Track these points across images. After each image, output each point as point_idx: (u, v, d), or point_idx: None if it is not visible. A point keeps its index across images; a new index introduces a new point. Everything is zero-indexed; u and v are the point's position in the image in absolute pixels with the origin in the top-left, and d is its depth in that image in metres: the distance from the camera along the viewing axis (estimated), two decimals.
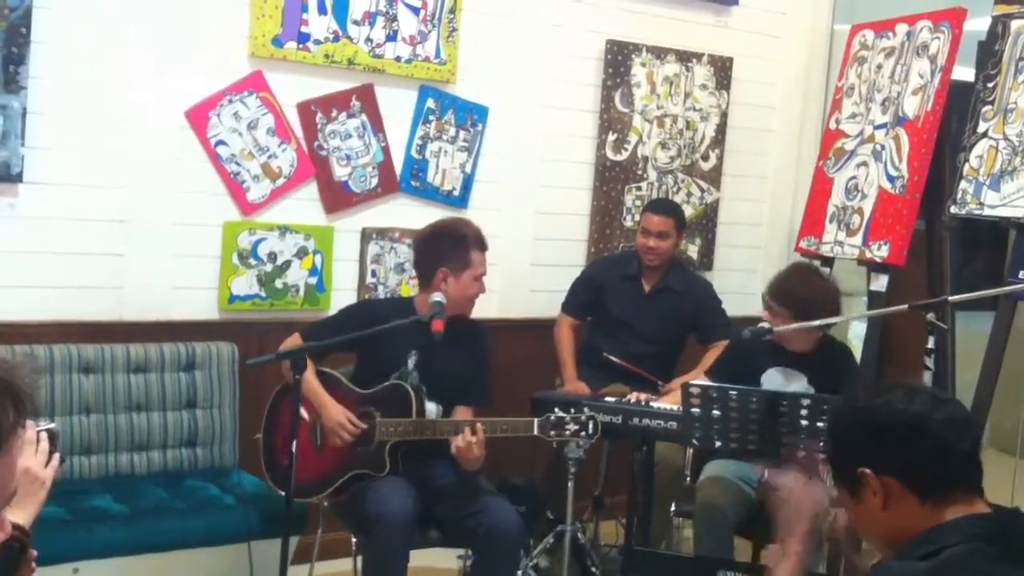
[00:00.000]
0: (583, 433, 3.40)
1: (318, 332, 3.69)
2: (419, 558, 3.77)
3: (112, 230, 3.98)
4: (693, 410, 3.26)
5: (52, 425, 2.12)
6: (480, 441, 3.41)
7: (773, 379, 3.78)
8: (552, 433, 3.40)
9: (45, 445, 2.10)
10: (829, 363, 3.79)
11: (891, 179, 4.57)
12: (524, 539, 3.66)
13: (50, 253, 3.89)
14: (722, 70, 5.27)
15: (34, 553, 2.11)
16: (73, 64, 3.85)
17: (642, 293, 4.58)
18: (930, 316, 3.42)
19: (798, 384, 3.75)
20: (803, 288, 3.70)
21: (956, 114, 4.53)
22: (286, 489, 3.31)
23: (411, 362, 3.64)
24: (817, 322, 3.55)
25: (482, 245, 3.73)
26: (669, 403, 3.68)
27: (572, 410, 3.43)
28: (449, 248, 3.69)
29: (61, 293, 3.91)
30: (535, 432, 3.41)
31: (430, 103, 4.56)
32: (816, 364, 3.77)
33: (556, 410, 3.42)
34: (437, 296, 3.55)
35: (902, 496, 1.81)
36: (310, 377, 3.62)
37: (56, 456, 2.11)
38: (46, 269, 3.88)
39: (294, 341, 3.69)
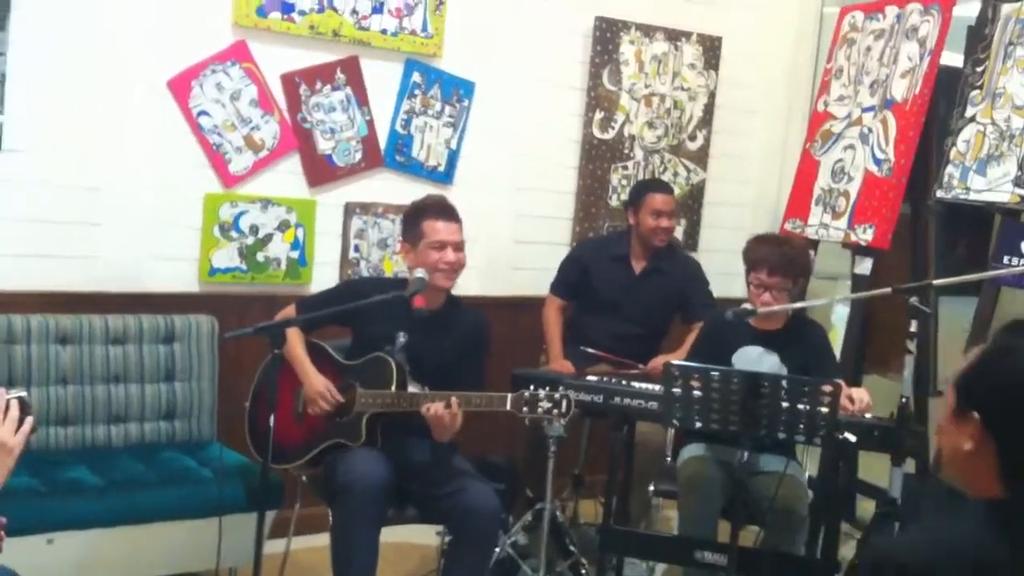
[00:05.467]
0: (555, 411, 3.34)
1: (311, 304, 3.70)
2: (397, 534, 3.76)
3: (92, 199, 3.94)
4: (674, 390, 3.23)
5: (22, 393, 2.10)
6: (453, 413, 3.39)
7: (746, 357, 3.77)
8: (525, 409, 3.35)
9: (15, 413, 2.07)
10: (801, 339, 3.80)
11: (878, 162, 4.55)
12: (501, 520, 3.63)
13: (28, 221, 3.85)
14: (711, 50, 5.23)
15: (4, 520, 2.09)
16: (53, 31, 3.80)
17: (632, 274, 4.54)
18: (913, 300, 3.40)
19: (771, 361, 3.74)
20: (780, 247, 3.71)
21: (944, 98, 4.52)
22: (264, 458, 3.29)
23: (399, 342, 3.62)
24: (800, 304, 3.54)
25: (441, 213, 3.61)
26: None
27: (547, 388, 3.39)
28: (405, 222, 3.70)
29: (39, 262, 3.87)
30: (508, 407, 3.36)
31: (416, 77, 4.52)
32: (788, 341, 3.77)
33: (531, 387, 3.38)
34: (419, 272, 3.53)
35: (989, 460, 1.68)
36: (296, 346, 3.62)
37: (29, 420, 2.09)
38: (24, 237, 3.84)
39: (289, 312, 3.69)
